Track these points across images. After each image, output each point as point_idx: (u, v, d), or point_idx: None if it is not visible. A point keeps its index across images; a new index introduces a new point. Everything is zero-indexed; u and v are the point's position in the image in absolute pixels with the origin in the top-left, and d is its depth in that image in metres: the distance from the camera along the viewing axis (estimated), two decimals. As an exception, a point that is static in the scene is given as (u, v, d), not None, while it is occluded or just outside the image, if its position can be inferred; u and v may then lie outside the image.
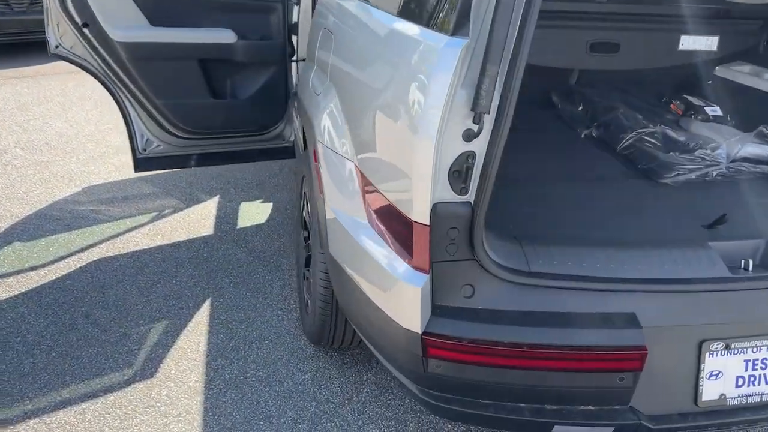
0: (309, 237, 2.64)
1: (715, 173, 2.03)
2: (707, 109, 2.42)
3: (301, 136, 2.82)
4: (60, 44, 2.91)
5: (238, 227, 3.55)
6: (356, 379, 2.40)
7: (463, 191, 1.43)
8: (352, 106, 1.76)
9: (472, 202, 1.45)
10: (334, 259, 1.90)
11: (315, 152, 2.01)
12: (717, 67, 2.67)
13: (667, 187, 2.03)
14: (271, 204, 3.87)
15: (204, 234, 3.46)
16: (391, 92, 1.49)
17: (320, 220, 2.02)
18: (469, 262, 1.52)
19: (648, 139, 2.17)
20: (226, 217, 3.66)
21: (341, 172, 1.83)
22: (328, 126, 1.93)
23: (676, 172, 2.02)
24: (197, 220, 3.61)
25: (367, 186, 1.68)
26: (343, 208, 1.81)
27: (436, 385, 1.59)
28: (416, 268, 1.47)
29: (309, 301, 2.48)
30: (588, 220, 1.82)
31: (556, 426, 1.57)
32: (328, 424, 2.19)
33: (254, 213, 3.74)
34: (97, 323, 2.66)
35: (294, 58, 3.40)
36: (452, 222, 1.45)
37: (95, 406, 2.22)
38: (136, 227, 3.50)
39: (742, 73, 2.52)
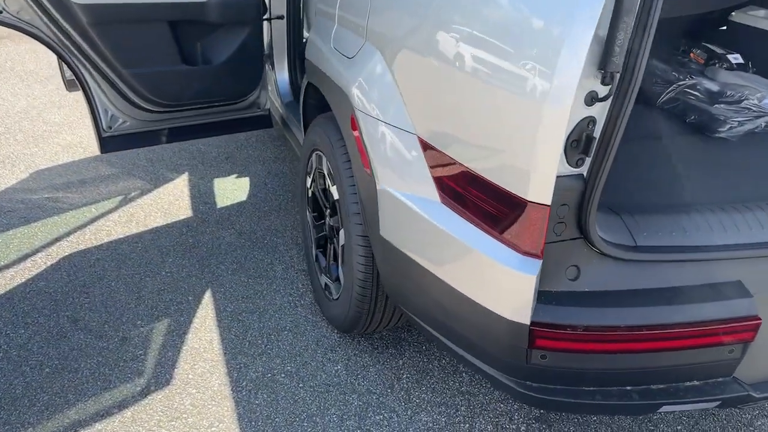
0: (322, 216, 2.42)
1: (764, 124, 1.97)
2: (729, 57, 2.35)
3: (300, 105, 2.56)
4: (4, 9, 2.48)
5: (218, 207, 3.26)
6: (392, 365, 2.25)
7: (579, 163, 1.27)
8: (414, 72, 1.55)
9: (585, 175, 1.29)
10: (389, 243, 1.71)
11: (353, 122, 1.78)
12: (733, 13, 2.61)
13: (726, 142, 1.95)
14: (247, 179, 3.58)
15: (183, 217, 3.15)
16: (496, 53, 1.29)
17: (365, 200, 1.81)
18: (576, 241, 1.37)
19: (690, 91, 2.08)
20: (202, 197, 3.35)
21: (397, 146, 1.62)
22: (373, 94, 1.70)
23: (729, 126, 1.94)
24: (171, 202, 3.28)
25: (441, 162, 1.48)
26: (404, 187, 1.62)
27: (537, 376, 1.46)
28: (527, 253, 1.31)
29: (333, 287, 2.27)
30: (666, 183, 1.71)
31: (663, 405, 1.48)
32: (377, 417, 2.04)
33: (232, 190, 3.44)
34: (88, 328, 2.35)
35: (266, 16, 3.10)
36: (564, 198, 1.29)
37: (112, 426, 1.96)
38: (103, 214, 3.14)
39: (760, 18, 2.47)
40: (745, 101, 2.00)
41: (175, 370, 2.18)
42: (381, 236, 1.74)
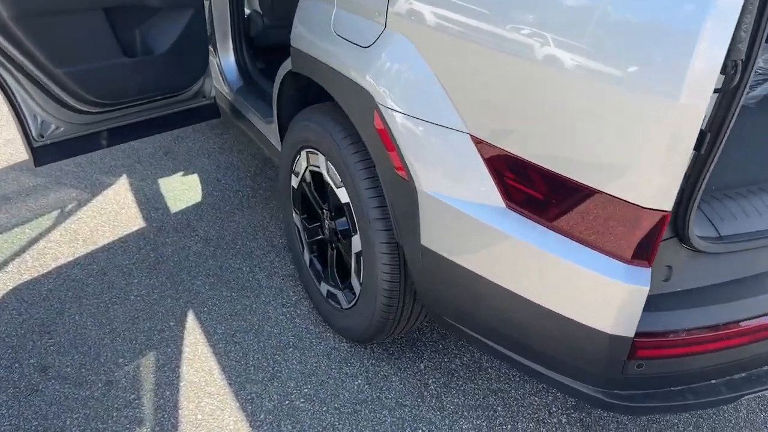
0: (315, 219, 2.21)
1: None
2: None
3: (275, 96, 2.30)
4: None
5: (173, 212, 2.93)
6: (414, 370, 2.11)
7: (685, 161, 1.15)
8: (468, 67, 1.36)
9: (686, 172, 1.19)
10: (435, 253, 1.55)
11: (378, 119, 1.58)
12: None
13: (747, 108, 1.92)
14: (195, 175, 3.25)
15: (135, 228, 2.80)
16: (607, 48, 1.13)
17: (396, 205, 1.63)
18: (668, 241, 1.27)
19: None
20: (150, 201, 3.00)
21: (442, 146, 1.45)
22: (403, 88, 1.50)
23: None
24: (116, 211, 2.91)
25: (509, 165, 1.33)
26: (456, 191, 1.45)
27: (627, 385, 1.37)
28: (636, 263, 1.19)
29: (342, 296, 2.08)
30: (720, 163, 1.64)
31: (746, 394, 1.44)
32: (416, 433, 1.90)
33: (182, 190, 3.11)
34: (63, 376, 2.03)
35: (207, -7, 2.78)
36: (666, 198, 1.18)
37: (124, 491, 1.70)
38: (42, 234, 2.73)
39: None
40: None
41: (180, 411, 1.93)
42: (424, 246, 1.57)
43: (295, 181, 2.24)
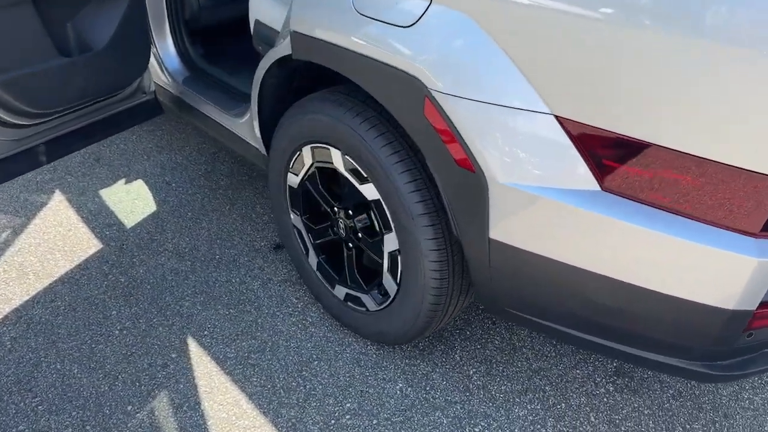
0: (322, 218, 2.02)
1: None
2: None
3: (257, 88, 2.05)
4: None
5: (129, 227, 2.61)
6: (451, 363, 2.01)
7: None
8: (548, 35, 1.23)
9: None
10: (510, 246, 1.44)
11: (429, 108, 1.42)
12: None
13: None
14: (140, 182, 2.91)
15: (92, 251, 2.46)
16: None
17: (455, 199, 1.49)
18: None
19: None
20: (98, 218, 2.65)
21: (521, 131, 1.32)
22: (465, 70, 1.35)
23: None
24: (63, 235, 2.54)
25: (607, 144, 1.23)
26: (537, 179, 1.33)
27: (733, 355, 1.35)
28: (763, 236, 1.14)
29: (368, 299, 1.93)
30: None
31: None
32: (476, 429, 1.81)
33: (131, 200, 2.77)
34: (66, 440, 1.74)
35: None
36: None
37: None
38: (-21, 275, 2.33)
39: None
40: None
41: (218, 455, 1.72)
42: (494, 239, 1.46)
43: (293, 181, 2.03)
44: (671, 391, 1.95)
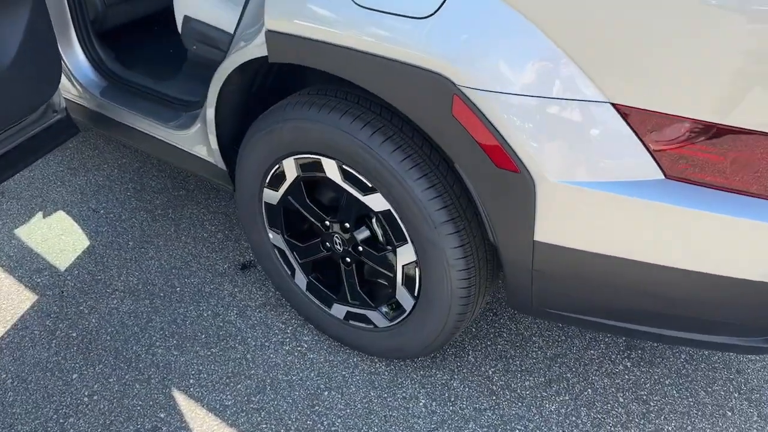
0: (309, 236, 1.83)
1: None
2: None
3: (214, 98, 1.79)
4: None
5: (63, 269, 2.25)
6: (468, 367, 1.90)
7: None
8: (604, 14, 1.11)
9: None
10: (559, 246, 1.33)
11: (459, 106, 1.26)
12: None
13: None
14: (61, 213, 2.53)
15: (27, 305, 2.10)
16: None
17: (492, 203, 1.36)
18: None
19: None
20: (23, 264, 2.26)
21: (572, 123, 1.20)
22: (504, 62, 1.20)
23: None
24: (-17, 291, 2.15)
25: (674, 129, 1.14)
26: (592, 173, 1.22)
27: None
28: None
29: (377, 315, 1.77)
30: None
31: None
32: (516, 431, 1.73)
33: (58, 237, 2.40)
34: None
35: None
36: None
37: None
38: None
39: None
40: None
41: None
42: (540, 242, 1.34)
43: (272, 197, 1.80)
44: (683, 356, 1.96)
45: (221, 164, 2.00)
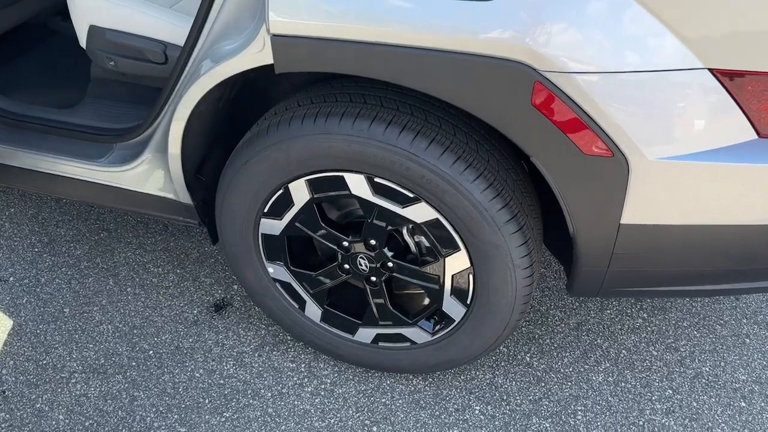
0: (323, 261, 1.61)
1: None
2: None
3: (181, 126, 1.48)
4: None
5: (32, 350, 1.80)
6: (507, 360, 1.81)
7: None
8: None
9: None
10: (652, 225, 1.26)
11: (540, 94, 1.12)
12: None
13: None
14: (-45, 292, 2.02)
15: (-40, 421, 1.65)
16: None
17: (581, 193, 1.25)
18: None
19: None
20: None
21: (673, 94, 1.11)
22: (596, 38, 1.06)
23: None
24: None
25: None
26: (685, 145, 1.15)
27: None
28: None
29: (416, 331, 1.61)
30: None
31: None
32: (578, 417, 1.67)
33: (-34, 323, 1.91)
34: None
35: None
36: None
37: None
38: None
39: None
40: None
41: None
42: (626, 224, 1.25)
43: (273, 227, 1.54)
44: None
45: (185, 198, 1.68)
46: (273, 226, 1.54)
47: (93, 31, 1.73)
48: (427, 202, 1.35)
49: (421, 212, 1.38)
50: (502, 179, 1.33)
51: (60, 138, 1.80)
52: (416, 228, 1.44)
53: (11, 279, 2.05)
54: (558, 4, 1.07)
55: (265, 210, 1.52)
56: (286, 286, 1.66)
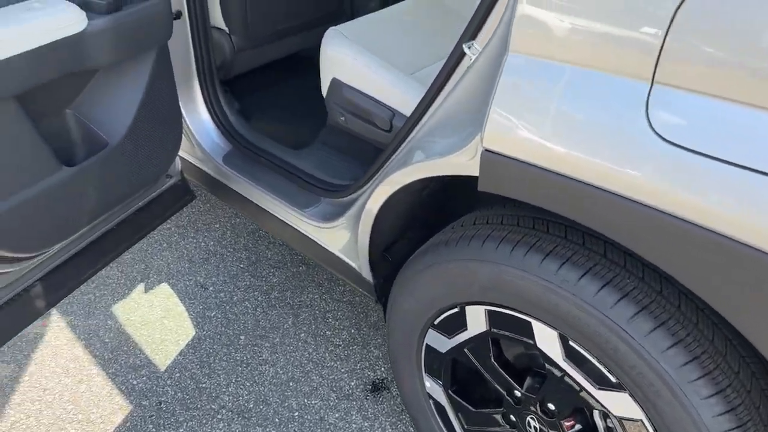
0: (480, 402, 1.34)
1: None
2: None
3: (372, 214, 1.34)
4: None
5: (163, 369, 1.87)
6: None
7: None
8: None
9: None
10: None
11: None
12: None
13: None
14: (164, 285, 2.17)
15: (120, 419, 1.73)
16: None
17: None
18: None
19: None
20: (119, 357, 1.91)
21: None
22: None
23: None
24: (71, 391, 1.81)
25: None
26: None
27: None
28: None
29: None
30: None
31: None
32: None
33: (159, 321, 2.03)
34: None
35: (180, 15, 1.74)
36: None
37: None
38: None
39: None
40: None
41: None
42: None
43: (439, 342, 1.33)
44: None
45: (367, 274, 1.55)
46: (440, 342, 1.33)
47: (334, 83, 1.70)
48: (633, 398, 1.01)
49: (620, 403, 1.04)
50: (740, 394, 0.94)
51: (279, 176, 1.81)
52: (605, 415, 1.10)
53: (210, 288, 2.15)
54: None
55: (436, 322, 1.31)
56: (440, 408, 1.43)
